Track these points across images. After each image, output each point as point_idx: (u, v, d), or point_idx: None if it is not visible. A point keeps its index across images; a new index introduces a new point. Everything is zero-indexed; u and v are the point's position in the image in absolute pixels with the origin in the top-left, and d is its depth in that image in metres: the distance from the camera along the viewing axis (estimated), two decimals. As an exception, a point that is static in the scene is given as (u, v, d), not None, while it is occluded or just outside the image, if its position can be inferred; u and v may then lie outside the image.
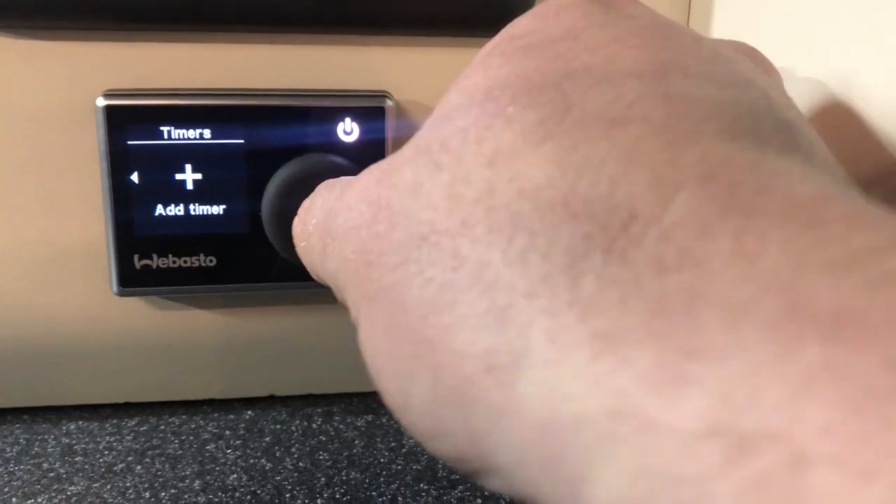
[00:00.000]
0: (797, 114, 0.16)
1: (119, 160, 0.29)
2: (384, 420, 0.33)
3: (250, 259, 0.30)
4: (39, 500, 0.27)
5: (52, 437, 0.31)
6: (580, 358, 0.11)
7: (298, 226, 0.21)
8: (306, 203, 0.21)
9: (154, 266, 0.30)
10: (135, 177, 0.29)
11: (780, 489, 0.09)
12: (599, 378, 0.11)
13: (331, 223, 0.18)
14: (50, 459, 0.30)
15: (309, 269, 0.20)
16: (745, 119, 0.14)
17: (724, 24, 0.30)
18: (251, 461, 0.30)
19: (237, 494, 0.28)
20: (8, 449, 0.30)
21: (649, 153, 0.13)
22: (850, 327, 0.09)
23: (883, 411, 0.08)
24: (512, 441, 0.12)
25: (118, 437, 0.31)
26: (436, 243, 0.14)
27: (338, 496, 0.28)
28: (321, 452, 0.31)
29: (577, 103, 0.14)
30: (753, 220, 0.11)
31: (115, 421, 0.32)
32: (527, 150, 0.14)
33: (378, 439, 0.31)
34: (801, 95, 0.25)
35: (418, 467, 0.30)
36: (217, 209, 0.30)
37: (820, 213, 0.11)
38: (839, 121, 0.23)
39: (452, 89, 0.16)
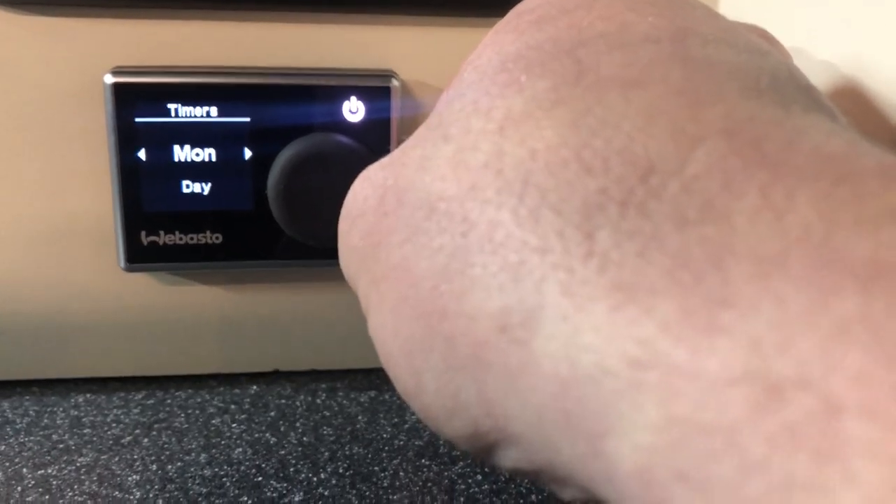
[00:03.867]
0: (814, 85, 0.15)
1: (126, 137, 0.29)
2: (387, 396, 0.33)
3: (256, 236, 0.31)
4: (50, 470, 0.28)
5: (62, 409, 0.32)
6: (600, 309, 0.11)
7: None
8: None
9: (161, 242, 0.30)
10: (142, 154, 0.29)
11: (811, 436, 0.09)
12: (621, 328, 0.11)
13: (342, 214, 0.18)
14: (59, 431, 0.30)
15: None
16: (768, 79, 0.14)
17: (731, 5, 0.30)
18: (256, 435, 0.30)
19: (242, 468, 0.29)
20: (18, 420, 0.31)
21: (669, 110, 0.12)
22: (886, 279, 0.09)
23: None
24: (529, 402, 0.12)
25: (125, 409, 0.32)
26: (445, 211, 0.14)
27: (341, 471, 0.29)
28: (325, 427, 0.31)
29: (591, 68, 0.14)
30: (780, 174, 0.11)
31: (122, 394, 0.33)
32: (538, 113, 0.13)
33: (381, 415, 0.32)
34: (810, 77, 0.25)
35: (420, 443, 0.30)
36: (223, 187, 0.30)
37: (850, 168, 0.11)
38: (847, 102, 0.23)
39: (465, 68, 0.16)
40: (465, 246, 0.13)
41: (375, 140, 0.30)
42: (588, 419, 0.11)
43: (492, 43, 0.16)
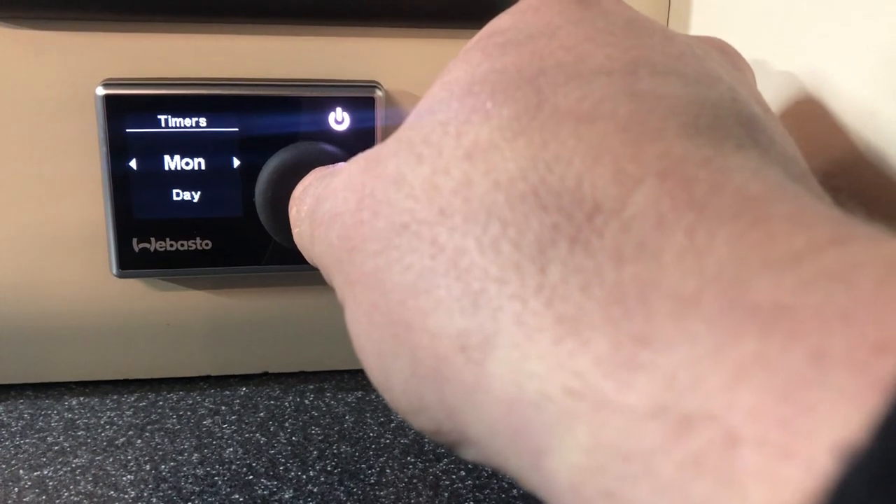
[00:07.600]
0: (763, 108, 0.16)
1: (118, 147, 0.30)
2: (373, 396, 0.34)
3: (244, 242, 0.32)
4: (45, 472, 0.29)
5: (56, 412, 0.32)
6: (545, 340, 0.12)
7: (293, 210, 0.22)
8: (298, 189, 0.22)
9: (152, 249, 0.31)
10: (133, 163, 0.30)
11: (713, 465, 0.10)
12: (561, 359, 0.12)
13: (318, 209, 0.19)
14: (54, 433, 0.31)
15: (302, 252, 0.21)
16: (708, 115, 0.14)
17: (702, 20, 0.31)
18: (246, 435, 0.31)
19: (233, 467, 0.29)
20: (13, 423, 0.32)
21: (614, 149, 0.13)
22: (782, 322, 0.10)
23: (804, 399, 0.09)
24: (483, 416, 0.13)
25: (118, 412, 0.33)
26: (416, 232, 0.15)
27: (329, 468, 0.30)
28: (313, 427, 0.32)
29: (549, 99, 0.15)
30: (704, 216, 0.12)
31: (115, 397, 0.34)
32: (502, 144, 0.14)
33: (368, 415, 0.33)
34: (772, 88, 0.26)
35: (406, 441, 0.31)
36: (212, 195, 0.31)
37: (766, 211, 0.12)
38: (806, 114, 0.25)
39: (436, 84, 0.17)
40: (433, 268, 0.14)
41: (360, 148, 0.30)
42: (531, 437, 0.12)
43: (462, 61, 0.17)
